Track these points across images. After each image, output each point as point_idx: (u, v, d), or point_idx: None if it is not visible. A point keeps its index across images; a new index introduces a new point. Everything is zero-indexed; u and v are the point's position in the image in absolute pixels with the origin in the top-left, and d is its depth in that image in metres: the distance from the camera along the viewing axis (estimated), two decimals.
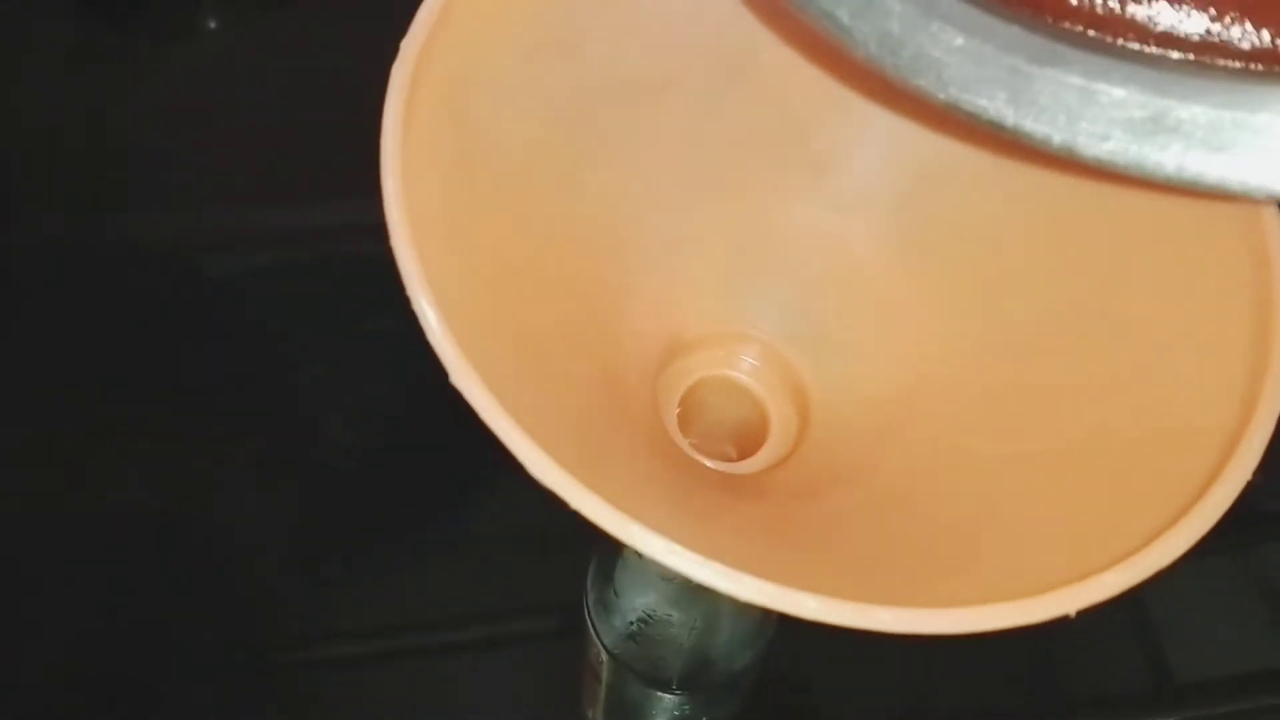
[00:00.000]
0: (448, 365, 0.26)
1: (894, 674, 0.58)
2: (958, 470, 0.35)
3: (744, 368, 0.41)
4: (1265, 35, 0.23)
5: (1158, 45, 0.23)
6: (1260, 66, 0.23)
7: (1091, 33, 0.23)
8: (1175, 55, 0.23)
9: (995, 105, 0.23)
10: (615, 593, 0.43)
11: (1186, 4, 0.23)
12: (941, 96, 0.24)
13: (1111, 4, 0.23)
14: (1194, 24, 0.23)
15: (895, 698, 0.59)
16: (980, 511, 0.33)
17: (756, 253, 0.40)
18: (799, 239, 0.40)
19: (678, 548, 0.25)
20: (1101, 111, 0.23)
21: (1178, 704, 0.60)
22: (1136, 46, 0.23)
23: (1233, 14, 0.23)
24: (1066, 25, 0.23)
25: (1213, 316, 0.31)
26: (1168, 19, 0.23)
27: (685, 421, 0.40)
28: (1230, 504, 0.28)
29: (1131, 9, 0.23)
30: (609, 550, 0.43)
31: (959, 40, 0.24)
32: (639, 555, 0.40)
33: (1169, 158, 0.23)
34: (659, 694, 0.45)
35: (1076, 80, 0.23)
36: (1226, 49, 0.23)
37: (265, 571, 0.60)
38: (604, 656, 0.44)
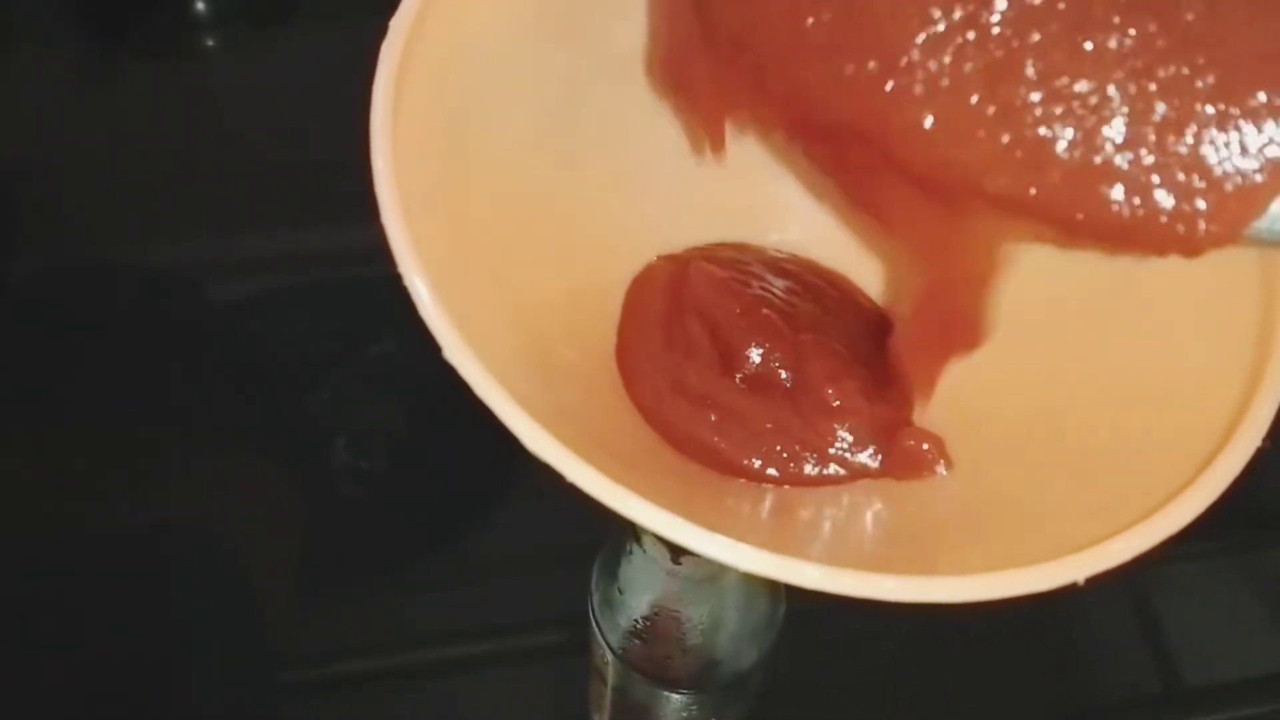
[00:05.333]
0: (440, 340, 0.26)
1: (906, 679, 0.58)
2: (964, 444, 0.34)
3: None
4: None
5: None
6: None
7: None
8: None
9: None
10: (620, 590, 0.42)
11: None
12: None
13: None
14: None
15: (907, 703, 0.58)
16: (987, 484, 0.33)
17: (756, 233, 0.40)
18: (801, 219, 0.39)
19: (678, 519, 0.24)
20: None
21: (1188, 708, 0.59)
22: None
23: None
24: None
25: (1222, 290, 0.31)
26: None
27: None
28: (1239, 471, 0.27)
29: None
30: (614, 547, 0.43)
31: None
32: (644, 549, 0.39)
33: None
34: (666, 694, 0.44)
35: None
36: None
37: (273, 592, 0.60)
38: (609, 657, 0.44)
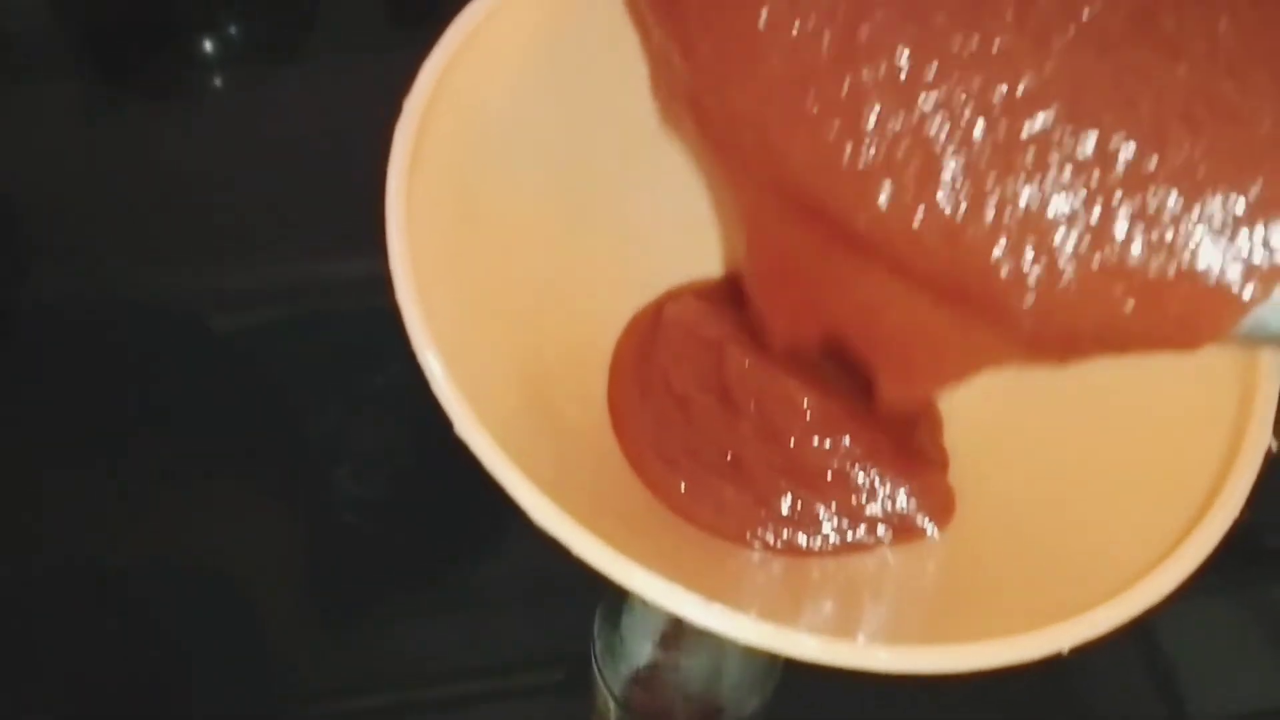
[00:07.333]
0: (452, 417, 0.27)
1: (908, 710, 0.58)
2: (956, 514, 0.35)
3: None
4: None
5: None
6: None
7: None
8: None
9: None
10: (621, 639, 0.43)
11: None
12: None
13: None
14: None
15: None
16: (977, 549, 0.34)
17: None
18: None
19: (679, 591, 0.25)
20: None
21: None
22: None
23: None
24: None
25: (1202, 363, 0.32)
26: None
27: None
28: (1219, 540, 0.28)
29: None
30: (615, 597, 0.43)
31: None
32: (645, 602, 0.40)
33: None
34: None
35: None
36: None
37: (274, 624, 0.60)
38: (611, 704, 0.44)
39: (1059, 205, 0.24)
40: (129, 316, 0.69)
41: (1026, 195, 0.24)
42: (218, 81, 0.81)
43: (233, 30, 0.82)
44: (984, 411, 0.37)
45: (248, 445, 0.65)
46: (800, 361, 0.37)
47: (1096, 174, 0.24)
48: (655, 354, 0.39)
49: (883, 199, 0.25)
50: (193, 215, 0.72)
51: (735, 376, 0.37)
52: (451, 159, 0.32)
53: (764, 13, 0.26)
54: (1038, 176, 0.24)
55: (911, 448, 0.37)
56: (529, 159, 0.35)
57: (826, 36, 0.25)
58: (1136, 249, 0.24)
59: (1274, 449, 0.30)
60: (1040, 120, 0.24)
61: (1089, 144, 0.24)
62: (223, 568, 0.61)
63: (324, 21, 0.82)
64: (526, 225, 0.36)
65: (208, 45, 0.81)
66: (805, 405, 0.36)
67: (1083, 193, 0.24)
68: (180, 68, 0.80)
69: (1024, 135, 0.24)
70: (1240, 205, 0.24)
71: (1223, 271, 0.24)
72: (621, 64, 0.36)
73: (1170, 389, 0.32)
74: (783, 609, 0.33)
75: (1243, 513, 0.29)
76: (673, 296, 0.41)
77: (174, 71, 0.80)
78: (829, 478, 0.35)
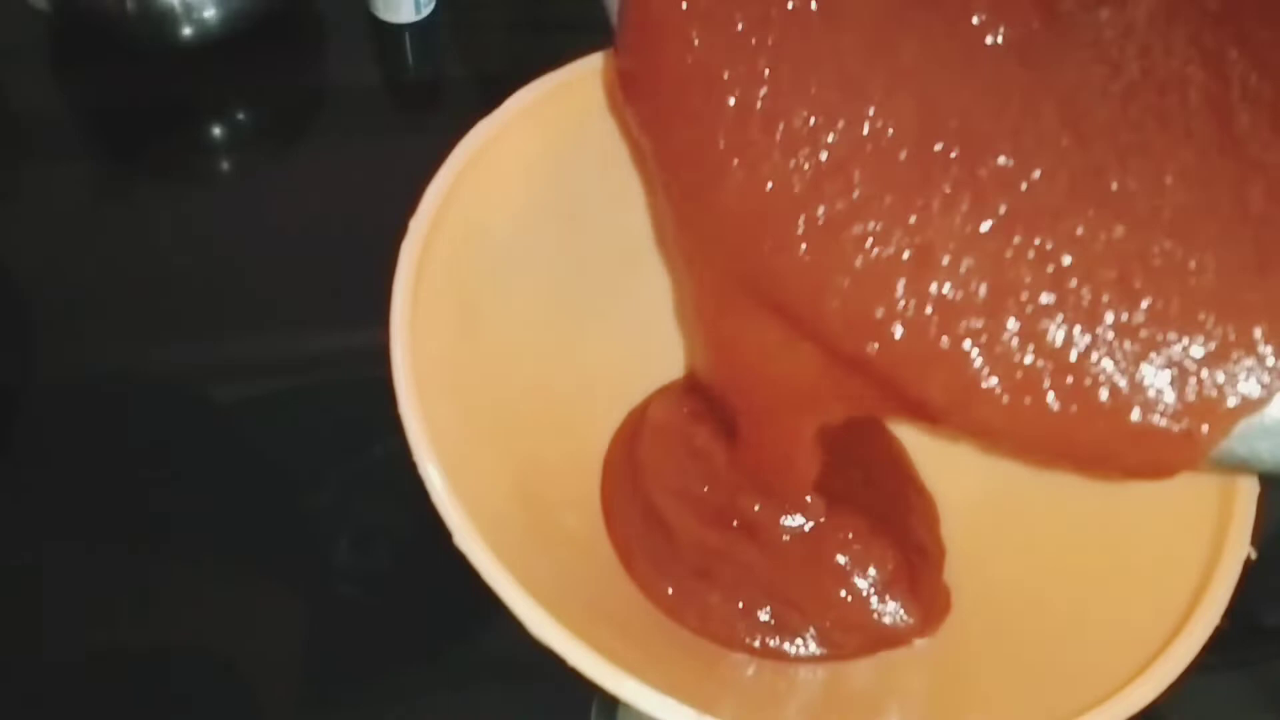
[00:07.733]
0: (452, 529, 0.28)
1: None
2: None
3: None
4: None
5: None
6: None
7: None
8: None
9: None
10: None
11: None
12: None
13: None
14: None
15: None
16: (967, 653, 0.34)
17: None
18: None
19: (671, 702, 0.26)
20: None
21: None
22: None
23: None
24: None
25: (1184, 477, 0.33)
26: None
27: None
28: (1199, 650, 0.29)
29: None
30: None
31: None
32: None
33: None
34: None
35: None
36: None
37: (269, 699, 0.60)
38: None
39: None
40: (134, 395, 0.69)
41: None
42: (224, 165, 0.82)
43: (240, 115, 0.84)
44: (979, 512, 0.38)
45: (247, 517, 0.65)
46: (789, 459, 0.38)
47: (1025, 359, 0.25)
48: (639, 454, 0.39)
49: None
50: (198, 294, 0.72)
51: (713, 478, 0.37)
52: (453, 274, 0.33)
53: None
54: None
55: (907, 545, 0.37)
56: (527, 272, 0.36)
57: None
58: (1080, 422, 0.25)
59: (1253, 557, 0.31)
60: (952, 330, 0.25)
61: (1012, 340, 0.25)
62: (219, 640, 0.60)
63: (329, 107, 0.84)
64: (525, 335, 0.37)
65: (215, 130, 0.83)
66: (784, 509, 0.36)
67: (1006, 377, 0.25)
68: (187, 151, 0.81)
69: (941, 346, 0.25)
70: (1188, 359, 0.24)
71: (1177, 418, 0.24)
72: (615, 183, 0.38)
73: (1154, 499, 0.33)
74: (772, 715, 0.34)
75: (1223, 620, 0.30)
76: (662, 391, 0.41)
77: (181, 155, 0.81)
78: (811, 586, 0.36)
